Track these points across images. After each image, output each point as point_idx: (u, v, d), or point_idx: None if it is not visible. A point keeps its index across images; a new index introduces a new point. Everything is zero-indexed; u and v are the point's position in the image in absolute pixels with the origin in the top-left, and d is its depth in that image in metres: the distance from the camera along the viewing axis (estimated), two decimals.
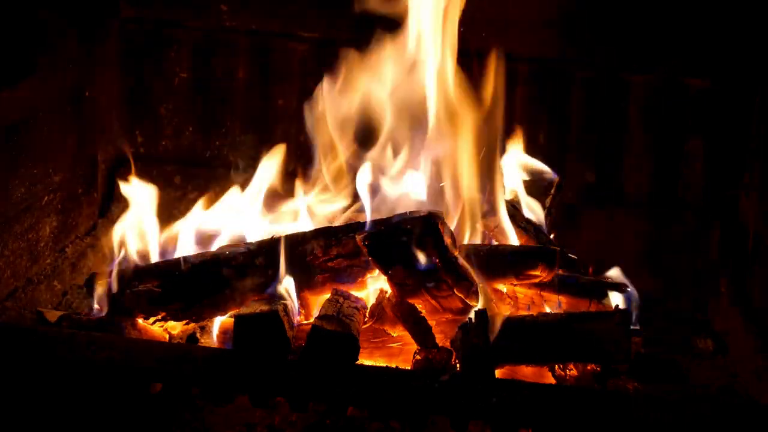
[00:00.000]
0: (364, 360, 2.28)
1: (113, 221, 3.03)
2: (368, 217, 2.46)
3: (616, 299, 2.43)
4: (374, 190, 2.56)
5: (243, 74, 3.20)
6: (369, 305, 2.38)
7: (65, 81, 2.82)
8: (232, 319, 2.25)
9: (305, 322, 2.34)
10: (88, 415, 2.20)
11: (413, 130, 2.65)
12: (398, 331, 2.34)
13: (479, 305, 2.28)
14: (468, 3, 2.64)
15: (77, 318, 2.38)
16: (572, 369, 2.30)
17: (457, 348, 2.19)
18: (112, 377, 2.15)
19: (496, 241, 2.62)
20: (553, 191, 2.85)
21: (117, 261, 2.51)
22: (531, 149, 3.01)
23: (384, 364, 2.30)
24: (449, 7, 2.62)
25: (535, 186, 2.86)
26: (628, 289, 2.45)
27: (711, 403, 2.33)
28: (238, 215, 2.67)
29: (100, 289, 2.44)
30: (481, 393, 2.10)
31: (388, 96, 2.65)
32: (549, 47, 3.06)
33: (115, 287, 2.40)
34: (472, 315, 2.23)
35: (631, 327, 2.31)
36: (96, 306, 2.43)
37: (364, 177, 2.58)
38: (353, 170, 2.66)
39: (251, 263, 2.36)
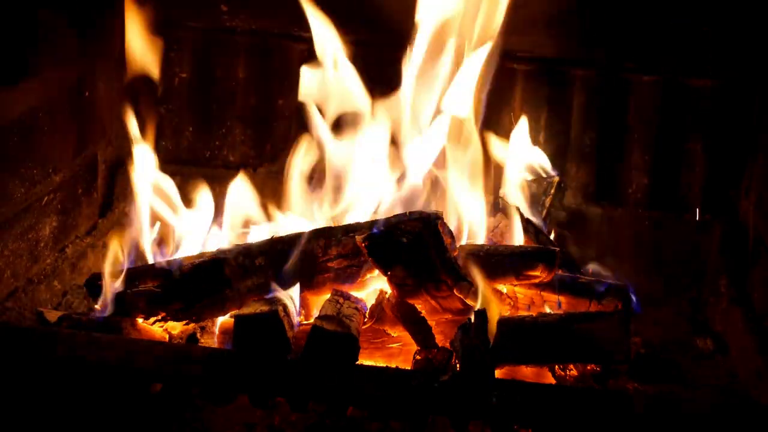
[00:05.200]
0: (364, 360, 2.28)
1: (113, 221, 3.04)
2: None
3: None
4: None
5: (243, 74, 3.20)
6: (369, 305, 2.38)
7: (65, 81, 2.81)
8: (232, 320, 2.25)
9: (305, 322, 2.34)
10: (88, 415, 2.20)
11: (416, 132, 2.66)
12: (398, 332, 2.34)
13: (479, 305, 2.28)
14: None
15: (77, 318, 2.38)
16: (572, 369, 2.30)
17: (457, 348, 2.19)
18: (112, 377, 2.15)
19: (496, 241, 2.62)
20: (553, 191, 2.85)
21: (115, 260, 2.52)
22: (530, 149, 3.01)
23: (384, 365, 2.30)
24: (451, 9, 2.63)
25: (536, 186, 2.86)
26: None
27: (711, 403, 2.33)
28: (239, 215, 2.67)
29: (100, 289, 2.44)
30: (481, 393, 2.09)
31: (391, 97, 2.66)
32: (549, 47, 3.06)
33: (115, 287, 2.41)
34: (471, 315, 2.23)
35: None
36: (96, 306, 2.43)
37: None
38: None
39: (251, 264, 2.36)
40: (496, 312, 2.28)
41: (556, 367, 2.31)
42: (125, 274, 2.45)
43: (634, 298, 2.41)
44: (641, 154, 3.11)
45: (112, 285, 2.41)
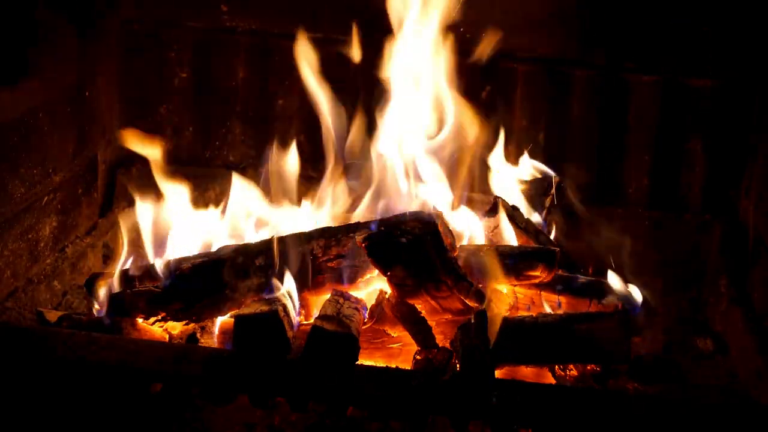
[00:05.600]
0: (364, 360, 2.28)
1: (113, 221, 3.04)
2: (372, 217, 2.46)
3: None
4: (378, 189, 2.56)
5: (243, 74, 3.20)
6: (369, 305, 2.38)
7: (65, 81, 2.82)
8: (232, 320, 2.25)
9: (305, 322, 2.34)
10: (88, 415, 2.20)
11: (413, 132, 2.66)
12: (398, 332, 2.34)
13: (479, 306, 2.28)
14: (468, 3, 2.65)
15: (77, 318, 2.38)
16: (572, 369, 2.30)
17: (457, 348, 2.19)
18: (112, 377, 2.15)
19: (496, 241, 2.62)
20: (553, 191, 2.85)
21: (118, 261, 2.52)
22: (531, 149, 3.01)
23: (384, 365, 2.30)
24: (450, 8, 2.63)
25: (536, 186, 2.86)
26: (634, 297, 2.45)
27: (711, 403, 2.33)
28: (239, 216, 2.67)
29: (100, 290, 2.44)
30: (481, 393, 2.10)
31: (388, 97, 2.66)
32: (549, 47, 3.06)
33: (116, 287, 2.41)
34: (471, 315, 2.23)
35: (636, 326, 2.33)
36: (96, 306, 2.43)
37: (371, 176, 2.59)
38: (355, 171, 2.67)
39: (251, 263, 2.36)
40: (496, 312, 2.28)
41: (556, 367, 2.31)
42: (125, 273, 2.46)
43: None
44: (641, 154, 3.11)
45: (112, 285, 2.41)
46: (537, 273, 2.39)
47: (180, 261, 2.46)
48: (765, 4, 2.89)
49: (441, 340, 2.31)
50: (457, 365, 2.19)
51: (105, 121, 3.10)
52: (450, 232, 2.40)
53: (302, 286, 2.36)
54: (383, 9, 2.70)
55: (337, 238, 2.40)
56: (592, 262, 2.68)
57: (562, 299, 2.43)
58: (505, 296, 2.45)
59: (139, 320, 2.35)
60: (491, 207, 2.66)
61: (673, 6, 2.96)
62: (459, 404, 2.10)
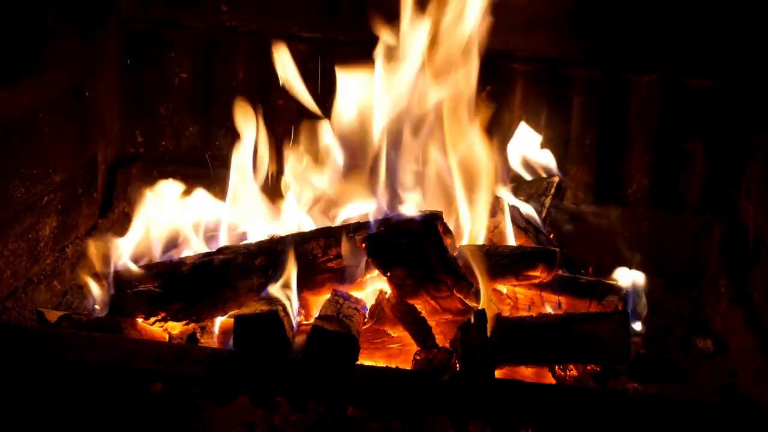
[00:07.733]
0: (364, 360, 2.28)
1: (113, 221, 3.04)
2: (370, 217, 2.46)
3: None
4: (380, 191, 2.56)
5: (243, 74, 3.20)
6: (369, 305, 2.38)
7: (65, 81, 2.82)
8: (232, 320, 2.25)
9: (305, 322, 2.34)
10: (88, 415, 2.20)
11: (413, 132, 2.66)
12: (398, 332, 2.34)
13: (479, 306, 2.28)
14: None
15: (77, 318, 2.38)
16: (572, 369, 2.30)
17: (457, 348, 2.19)
18: (111, 377, 2.15)
19: (496, 241, 2.62)
20: (553, 191, 2.85)
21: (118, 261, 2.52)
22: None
23: (384, 365, 2.30)
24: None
25: (536, 186, 2.86)
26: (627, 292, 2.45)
27: (711, 403, 2.33)
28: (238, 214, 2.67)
29: (100, 290, 2.44)
30: (481, 393, 2.10)
31: (388, 97, 2.66)
32: (549, 47, 3.06)
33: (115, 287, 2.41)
34: (471, 315, 2.23)
35: (634, 327, 2.33)
36: (96, 306, 2.43)
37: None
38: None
39: (251, 263, 2.36)
40: (495, 312, 2.28)
41: (556, 367, 2.31)
42: (125, 273, 2.45)
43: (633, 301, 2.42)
44: (641, 154, 3.11)
45: (111, 285, 2.41)
46: (537, 273, 2.39)
47: (180, 261, 2.46)
48: (765, 4, 2.89)
49: (441, 340, 2.31)
50: (457, 365, 2.19)
51: (105, 121, 3.10)
52: (450, 232, 2.40)
53: (302, 286, 2.36)
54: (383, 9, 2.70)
55: (337, 238, 2.40)
56: (593, 261, 2.69)
57: (562, 299, 2.43)
58: (505, 296, 2.46)
59: (139, 320, 2.35)
60: (491, 207, 2.66)
61: (673, 6, 2.97)
62: (459, 404, 2.10)
